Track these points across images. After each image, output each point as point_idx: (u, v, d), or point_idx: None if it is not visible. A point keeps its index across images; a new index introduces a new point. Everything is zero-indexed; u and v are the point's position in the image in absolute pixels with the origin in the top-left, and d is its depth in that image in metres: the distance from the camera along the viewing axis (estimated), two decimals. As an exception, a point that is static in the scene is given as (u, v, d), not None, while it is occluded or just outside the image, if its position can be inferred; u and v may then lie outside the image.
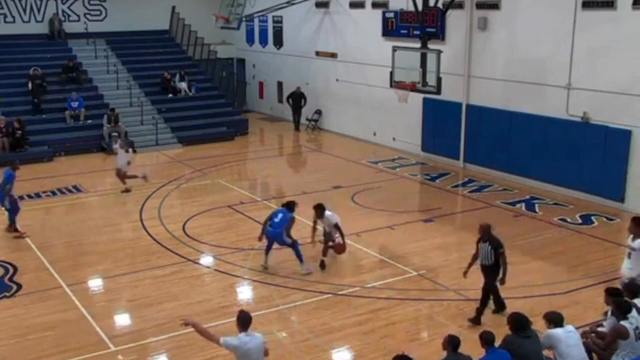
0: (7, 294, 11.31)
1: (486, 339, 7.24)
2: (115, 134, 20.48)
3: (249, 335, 7.00)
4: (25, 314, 10.59)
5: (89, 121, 22.65)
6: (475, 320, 10.05)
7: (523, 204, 16.16)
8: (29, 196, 16.94)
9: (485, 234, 9.94)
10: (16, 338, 9.80)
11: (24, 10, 25.97)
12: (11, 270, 12.28)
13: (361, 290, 11.43)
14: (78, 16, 26.92)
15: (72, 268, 12.50)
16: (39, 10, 26.25)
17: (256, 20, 27.96)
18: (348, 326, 10.21)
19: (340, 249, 12.39)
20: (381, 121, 22.57)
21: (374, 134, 23.08)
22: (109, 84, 24.67)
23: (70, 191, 17.61)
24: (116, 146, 17.77)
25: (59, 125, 22.30)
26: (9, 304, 10.99)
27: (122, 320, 10.73)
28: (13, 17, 25.78)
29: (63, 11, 26.62)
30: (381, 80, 19.75)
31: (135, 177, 17.39)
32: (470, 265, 10.31)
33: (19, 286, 11.64)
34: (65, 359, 9.28)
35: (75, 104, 22.70)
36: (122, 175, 17.34)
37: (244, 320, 7.08)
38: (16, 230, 14.09)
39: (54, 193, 17.39)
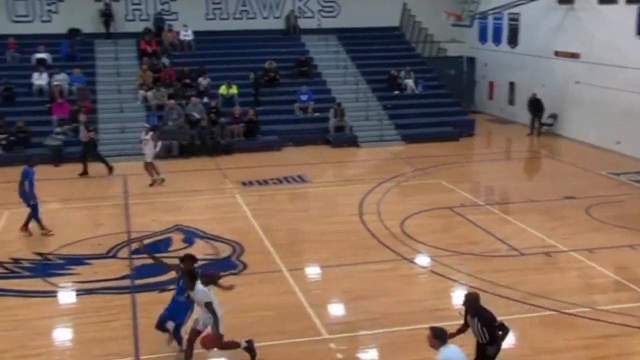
0: (234, 272, 12.36)
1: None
2: (147, 125, 19.51)
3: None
4: (249, 293, 11.43)
5: (317, 114, 23.90)
6: None
7: None
8: (258, 182, 18.39)
9: (472, 307, 7.93)
10: (239, 313, 10.62)
11: (264, 7, 28.19)
12: (238, 249, 13.38)
13: (591, 312, 10.55)
14: (312, 12, 28.55)
15: (292, 254, 13.27)
16: (277, 7, 28.30)
17: (490, 18, 27.26)
18: (574, 348, 9.51)
19: (209, 341, 8.96)
20: (628, 130, 20.65)
21: (618, 143, 21.20)
22: (337, 79, 25.80)
23: (295, 180, 18.74)
24: (146, 137, 17.97)
25: (288, 117, 23.86)
26: (234, 281, 11.95)
27: (336, 309, 11.14)
28: (254, 13, 28.13)
29: (299, 8, 28.41)
30: (633, 84, 18.12)
31: (151, 174, 17.73)
32: (453, 335, 7.67)
33: (245, 265, 12.65)
34: (281, 339, 9.86)
35: (304, 97, 24.12)
36: (148, 168, 17.79)
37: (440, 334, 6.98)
38: (26, 228, 14.17)
39: (280, 181, 18.64)
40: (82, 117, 20.26)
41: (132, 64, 24.98)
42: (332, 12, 28.70)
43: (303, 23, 28.19)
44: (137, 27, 26.36)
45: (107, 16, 25.91)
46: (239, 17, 27.93)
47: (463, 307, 7.99)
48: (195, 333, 8.92)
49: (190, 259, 9.29)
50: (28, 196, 14.10)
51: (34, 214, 14.18)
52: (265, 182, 18.50)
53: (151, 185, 17.88)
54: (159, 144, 18.10)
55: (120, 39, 25.87)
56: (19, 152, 20.35)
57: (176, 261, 9.70)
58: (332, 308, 11.13)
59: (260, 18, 28.15)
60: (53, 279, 12.02)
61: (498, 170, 20.56)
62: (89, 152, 19.22)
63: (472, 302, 7.90)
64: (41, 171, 19.11)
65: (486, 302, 10.76)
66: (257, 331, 9.88)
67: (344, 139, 23.05)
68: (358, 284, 11.80)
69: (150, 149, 17.80)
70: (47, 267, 12.60)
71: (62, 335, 10.30)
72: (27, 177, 14.09)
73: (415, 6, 28.33)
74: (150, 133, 17.96)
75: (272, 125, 23.16)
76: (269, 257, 13.05)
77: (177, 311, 9.29)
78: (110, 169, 19.24)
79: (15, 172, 18.99)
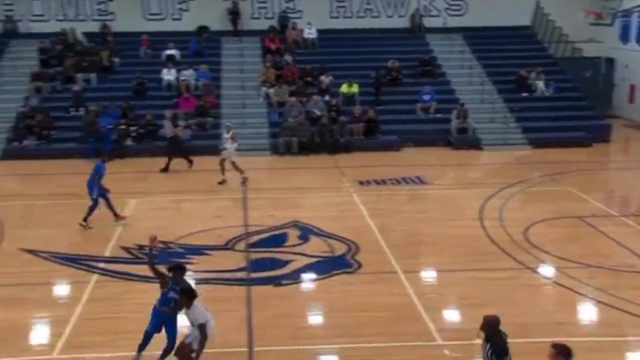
0: (349, 270, 12.40)
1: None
2: (228, 123, 19.64)
3: None
4: (362, 292, 11.45)
5: (439, 115, 23.54)
6: None
7: None
8: (375, 182, 18.37)
9: (489, 331, 7.36)
10: (351, 312, 10.66)
11: (389, 6, 28.10)
12: (354, 248, 13.41)
13: None
14: (439, 11, 28.12)
15: (407, 256, 13.13)
16: (402, 6, 28.13)
17: (634, 16, 25.63)
18: None
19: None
20: None
21: None
22: (462, 79, 25.28)
23: (413, 181, 18.54)
24: (227, 136, 18.01)
25: (409, 117, 23.64)
26: (349, 280, 12.05)
27: (451, 315, 10.90)
28: (379, 12, 28.12)
29: (425, 6, 28.07)
30: None
31: (224, 172, 17.75)
32: None
33: (359, 265, 12.66)
34: (393, 341, 9.76)
35: (426, 97, 23.82)
36: (228, 166, 17.82)
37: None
38: (85, 221, 14.59)
39: (398, 181, 18.50)
40: (168, 114, 21.04)
41: (256, 61, 25.75)
42: (459, 10, 28.14)
43: (428, 22, 27.85)
44: (262, 25, 27.15)
45: (234, 14, 26.87)
46: (363, 15, 28.04)
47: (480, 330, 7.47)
48: (189, 349, 8.69)
49: (180, 269, 9.12)
50: (93, 189, 14.68)
51: (92, 207, 14.65)
52: (383, 182, 18.44)
53: (243, 183, 17.98)
54: (235, 144, 18.18)
55: (245, 37, 26.76)
56: (148, 143, 21.58)
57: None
58: (447, 314, 10.89)
59: (385, 17, 28.10)
60: (175, 266, 12.59)
61: (635, 179, 19.28)
62: (173, 148, 19.86)
63: (490, 326, 7.38)
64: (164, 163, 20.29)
65: (616, 321, 10.18)
66: (368, 331, 9.85)
67: (467, 140, 22.54)
68: (475, 291, 11.47)
69: (231, 147, 18.03)
70: (169, 255, 13.22)
71: (181, 321, 10.74)
72: (98, 171, 14.77)
73: (549, 4, 27.21)
74: (231, 132, 18.26)
75: (392, 125, 23.05)
76: (384, 258, 12.98)
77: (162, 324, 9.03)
78: (190, 162, 19.77)
79: (143, 163, 20.33)
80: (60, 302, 11.55)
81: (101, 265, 12.71)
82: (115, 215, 14.97)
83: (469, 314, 10.67)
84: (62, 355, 9.48)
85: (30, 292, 11.54)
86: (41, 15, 26.69)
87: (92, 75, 24.29)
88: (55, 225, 15.11)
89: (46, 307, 11.05)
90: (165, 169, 19.40)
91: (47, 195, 17.19)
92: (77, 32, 25.76)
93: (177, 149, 19.90)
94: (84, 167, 19.88)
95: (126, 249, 13.43)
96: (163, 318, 9.11)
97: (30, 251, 13.30)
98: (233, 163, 18.13)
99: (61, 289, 12.03)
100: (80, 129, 21.67)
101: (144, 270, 12.32)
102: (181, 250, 13.46)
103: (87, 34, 26.02)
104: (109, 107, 22.21)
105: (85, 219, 14.56)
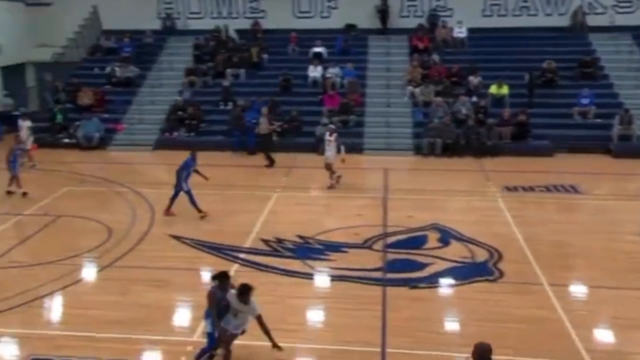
0: (490, 278, 12.03)
1: None
2: (331, 125, 19.43)
3: None
4: (503, 302, 11.07)
5: (598, 120, 22.23)
6: None
7: None
8: (523, 188, 17.68)
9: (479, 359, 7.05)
10: (489, 322, 10.33)
11: (548, 3, 26.91)
12: (496, 256, 12.99)
13: None
14: (605, 8, 26.52)
15: (555, 268, 12.50)
16: (563, 3, 26.83)
17: None
18: None
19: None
20: None
21: None
22: (628, 82, 23.72)
23: (566, 190, 17.63)
24: (330, 138, 17.69)
25: (564, 121, 22.53)
26: (489, 288, 11.69)
27: (603, 336, 10.25)
28: (537, 9, 27.01)
29: (589, 3, 26.59)
30: None
31: (333, 173, 17.62)
32: None
33: (501, 273, 12.24)
34: (535, 357, 9.36)
35: (585, 101, 22.56)
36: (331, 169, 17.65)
37: None
38: (168, 212, 15.36)
39: (548, 189, 17.68)
40: (265, 111, 21.38)
41: (403, 59, 25.68)
42: (629, 7, 26.36)
43: (592, 20, 26.34)
44: (411, 23, 27.01)
45: (383, 12, 26.96)
46: (519, 13, 27.08)
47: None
48: (231, 337, 8.89)
49: (225, 276, 9.10)
50: (180, 183, 15.33)
51: (190, 199, 15.31)
52: (532, 188, 17.69)
53: (330, 187, 17.79)
54: (342, 148, 17.67)
55: (393, 35, 26.76)
56: (291, 139, 22.21)
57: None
58: (599, 333, 10.25)
59: (543, 15, 26.95)
60: (311, 262, 12.87)
61: None
62: (263, 145, 20.51)
63: (480, 354, 7.10)
64: (308, 159, 20.84)
65: None
66: (508, 344, 9.49)
67: (630, 149, 21.09)
68: (630, 311, 10.72)
69: (332, 150, 17.67)
70: (307, 250, 13.51)
71: (315, 316, 10.98)
72: (187, 167, 15.34)
73: None
74: (335, 135, 17.89)
75: (544, 129, 22.06)
76: (529, 268, 12.45)
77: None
78: (272, 163, 20.10)
79: (286, 158, 20.96)
80: (202, 288, 12.09)
81: (241, 255, 13.24)
82: (199, 210, 15.35)
83: (623, 335, 10.04)
84: (201, 339, 9.97)
85: (175, 276, 12.26)
86: (197, 13, 28.29)
87: (241, 71, 25.39)
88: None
89: (188, 292, 11.68)
90: (271, 164, 20.01)
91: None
92: (230, 29, 27.04)
93: (267, 146, 20.57)
94: (229, 160, 21.00)
95: (266, 241, 13.89)
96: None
97: (176, 237, 14.15)
98: (328, 165, 17.87)
99: (203, 276, 12.66)
100: (227, 122, 22.72)
101: (281, 263, 12.79)
102: (319, 246, 13.71)
103: (239, 31, 27.23)
104: (256, 102, 23.10)
105: (199, 210, 15.27)
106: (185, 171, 15.31)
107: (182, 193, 15.44)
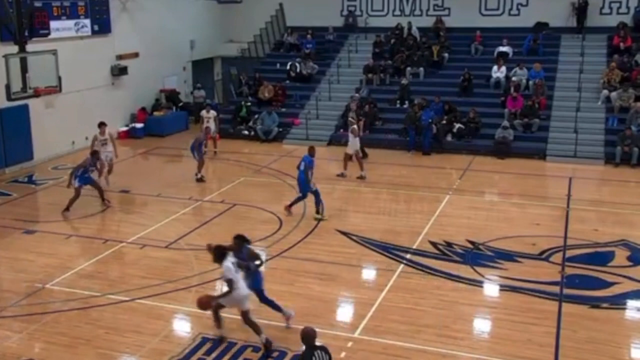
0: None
1: None
2: (351, 119, 20.05)
3: None
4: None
5: None
6: None
7: None
8: None
9: (305, 343, 7.51)
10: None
11: None
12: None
13: None
14: None
15: None
16: None
17: None
18: None
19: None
20: None
21: None
22: None
23: None
24: (353, 127, 18.55)
25: None
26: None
27: None
28: None
29: None
30: None
31: (362, 167, 18.46)
32: None
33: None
34: None
35: None
36: (355, 159, 18.43)
37: None
38: (289, 208, 15.53)
39: None
40: (353, 106, 21.69)
41: (599, 61, 24.10)
42: None
43: None
44: (612, 21, 25.25)
45: (580, 9, 25.50)
46: None
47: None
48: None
49: (241, 238, 10.14)
50: (307, 184, 15.21)
51: (316, 199, 15.30)
52: None
53: (341, 174, 18.66)
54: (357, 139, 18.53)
55: (590, 34, 25.22)
56: (467, 141, 21.74)
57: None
58: None
59: None
60: (481, 269, 12.49)
61: None
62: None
63: (303, 338, 7.48)
64: (485, 162, 20.33)
65: None
66: None
67: None
68: None
69: (352, 142, 18.48)
70: (477, 256, 13.14)
71: (482, 325, 10.66)
72: (311, 166, 15.27)
73: None
74: (353, 126, 18.88)
75: None
76: None
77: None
78: (364, 155, 20.11)
79: (461, 160, 20.62)
80: (366, 285, 12.28)
81: (408, 256, 13.18)
82: (318, 212, 15.31)
83: None
84: (362, 336, 10.07)
85: (341, 271, 12.47)
86: (380, 11, 28.57)
87: (420, 70, 25.26)
88: (370, 212, 16.11)
89: (353, 288, 11.85)
90: (364, 156, 20.04)
91: (367, 182, 18.40)
92: (413, 27, 27.02)
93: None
94: (403, 159, 20.99)
95: (434, 244, 13.72)
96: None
97: (344, 233, 14.39)
98: (349, 155, 18.58)
99: (369, 273, 12.77)
100: (403, 121, 22.71)
101: (449, 267, 12.56)
102: (491, 253, 13.29)
103: (421, 29, 27.13)
104: (434, 101, 22.87)
105: (318, 211, 15.25)
106: (310, 171, 15.30)
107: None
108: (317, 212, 15.32)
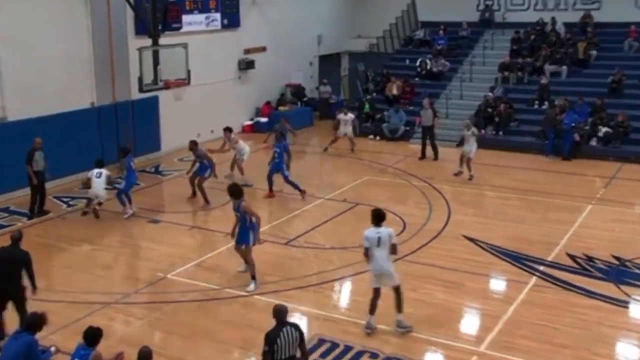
0: None
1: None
2: (468, 120, 19.98)
3: None
4: None
5: None
6: None
7: None
8: None
9: (275, 319, 7.90)
10: None
11: None
12: None
13: None
14: None
15: None
16: None
17: None
18: None
19: None
20: None
21: None
22: None
23: None
24: (468, 133, 18.28)
25: None
26: None
27: None
28: None
29: None
30: None
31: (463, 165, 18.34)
32: None
33: None
34: None
35: None
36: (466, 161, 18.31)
37: None
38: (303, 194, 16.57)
39: None
40: (426, 103, 21.31)
41: None
42: None
43: None
44: None
45: None
46: None
47: None
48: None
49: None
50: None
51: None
52: None
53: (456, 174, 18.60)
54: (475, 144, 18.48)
55: None
56: (615, 146, 20.53)
57: None
58: None
59: None
60: (627, 288, 11.68)
61: None
62: (425, 137, 21.02)
63: (274, 314, 7.90)
64: (635, 170, 19.16)
65: None
66: None
67: None
68: None
69: (469, 144, 18.36)
70: (623, 273, 12.32)
71: (628, 351, 9.93)
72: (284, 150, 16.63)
73: None
74: (471, 130, 18.55)
75: None
76: None
77: None
78: (435, 156, 20.83)
79: (607, 167, 19.52)
80: (494, 296, 11.83)
81: (541, 268, 12.56)
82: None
83: None
84: (489, 351, 9.67)
85: (468, 279, 12.07)
86: (520, 5, 27.58)
87: (563, 68, 24.12)
88: (501, 218, 15.53)
89: (480, 299, 11.44)
90: (423, 156, 20.89)
91: (498, 186, 17.81)
92: (558, 23, 25.88)
93: (427, 138, 21.04)
94: (541, 164, 20.11)
95: (572, 257, 13.00)
96: None
97: (471, 239, 13.95)
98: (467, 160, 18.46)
99: (497, 284, 12.32)
100: (541, 123, 21.77)
101: (589, 283, 11.86)
102: (637, 270, 12.42)
103: (566, 24, 25.91)
104: (577, 103, 21.76)
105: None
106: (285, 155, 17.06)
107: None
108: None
